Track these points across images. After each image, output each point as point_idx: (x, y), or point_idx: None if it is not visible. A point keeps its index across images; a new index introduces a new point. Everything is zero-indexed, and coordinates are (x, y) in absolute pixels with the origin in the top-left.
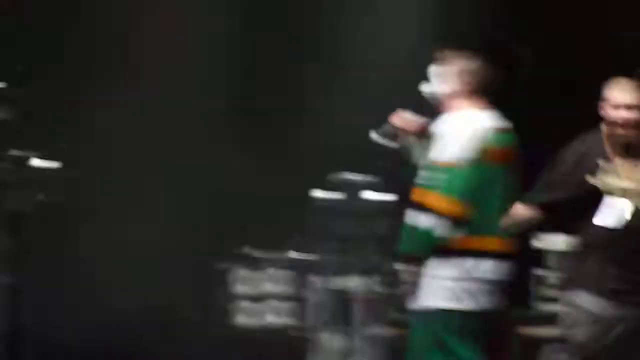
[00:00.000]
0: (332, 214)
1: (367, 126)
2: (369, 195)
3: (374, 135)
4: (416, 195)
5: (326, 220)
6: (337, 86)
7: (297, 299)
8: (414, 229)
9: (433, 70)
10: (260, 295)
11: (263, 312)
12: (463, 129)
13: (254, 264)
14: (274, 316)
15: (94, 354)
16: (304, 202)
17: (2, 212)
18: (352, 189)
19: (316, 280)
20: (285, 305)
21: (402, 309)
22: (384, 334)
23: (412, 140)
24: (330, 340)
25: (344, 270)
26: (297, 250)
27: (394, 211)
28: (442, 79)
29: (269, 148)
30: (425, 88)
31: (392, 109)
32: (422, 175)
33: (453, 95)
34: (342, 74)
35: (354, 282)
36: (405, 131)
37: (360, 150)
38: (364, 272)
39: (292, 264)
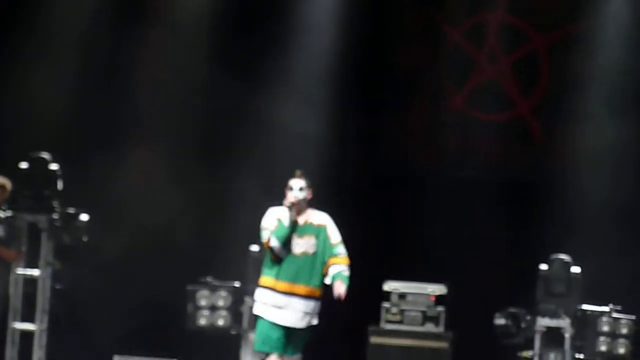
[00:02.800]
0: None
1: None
2: None
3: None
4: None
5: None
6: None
7: (236, 311)
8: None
9: (297, 183)
10: (214, 307)
11: (216, 318)
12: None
13: (213, 288)
14: (222, 321)
15: None
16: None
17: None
18: None
19: (248, 299)
20: (228, 314)
21: None
22: None
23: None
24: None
25: None
26: (238, 280)
27: None
28: (304, 189)
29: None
30: (299, 194)
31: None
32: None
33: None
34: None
35: None
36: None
37: None
38: None
39: (235, 288)
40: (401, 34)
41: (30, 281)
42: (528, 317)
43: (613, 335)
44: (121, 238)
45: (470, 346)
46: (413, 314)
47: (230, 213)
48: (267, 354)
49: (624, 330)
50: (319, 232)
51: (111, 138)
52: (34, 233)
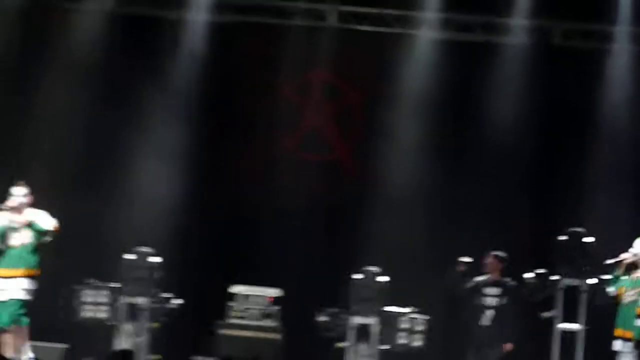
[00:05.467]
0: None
1: None
2: None
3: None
4: None
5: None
6: None
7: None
8: None
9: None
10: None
11: (99, 311)
12: None
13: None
14: (104, 314)
15: None
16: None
17: None
18: None
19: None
20: (106, 308)
21: None
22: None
23: None
24: (128, 329)
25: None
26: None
27: None
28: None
29: None
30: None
31: None
32: None
33: None
34: None
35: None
36: None
37: None
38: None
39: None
40: (245, 88)
41: None
42: (343, 316)
43: (411, 331)
44: None
45: (298, 338)
46: (254, 311)
47: None
48: None
49: (420, 327)
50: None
51: None
52: None
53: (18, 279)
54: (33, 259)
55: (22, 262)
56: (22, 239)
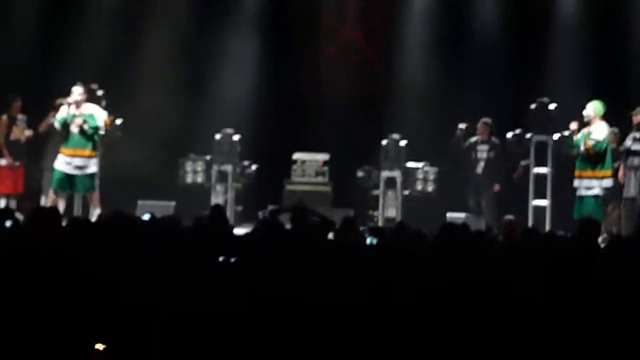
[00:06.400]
0: None
1: None
2: None
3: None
4: None
5: None
6: None
7: (207, 172)
8: None
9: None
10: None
11: (197, 177)
12: None
13: (194, 159)
14: (200, 179)
15: None
16: None
17: None
18: None
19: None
20: (202, 174)
21: None
22: None
23: None
24: (219, 189)
25: None
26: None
27: None
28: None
29: None
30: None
31: None
32: None
33: None
34: None
35: None
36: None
37: None
38: None
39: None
40: (296, 13)
41: None
42: (375, 171)
43: (425, 180)
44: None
45: (343, 191)
46: (309, 171)
47: None
48: None
49: (432, 177)
50: (90, 116)
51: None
52: None
53: (80, 157)
54: (90, 143)
55: (81, 145)
56: (79, 127)
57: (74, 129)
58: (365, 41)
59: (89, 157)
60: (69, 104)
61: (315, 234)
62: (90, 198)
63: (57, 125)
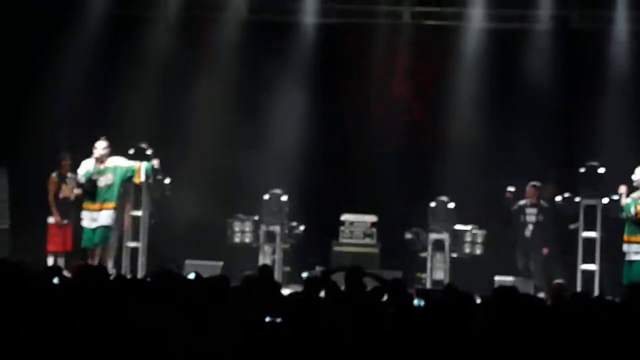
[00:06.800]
0: None
1: None
2: None
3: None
4: None
5: None
6: None
7: (255, 233)
8: None
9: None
10: (243, 231)
11: (245, 237)
12: None
13: (242, 220)
14: (248, 239)
15: None
16: None
17: None
18: None
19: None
20: (250, 234)
21: None
22: None
23: None
24: (267, 249)
25: None
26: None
27: None
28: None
29: None
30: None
31: None
32: None
33: None
34: None
35: None
36: None
37: None
38: None
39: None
40: (347, 70)
41: None
42: (423, 233)
43: (473, 243)
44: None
45: (390, 252)
46: (357, 232)
47: None
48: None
49: (480, 240)
50: (114, 169)
51: None
52: None
53: (104, 210)
54: (115, 195)
55: (106, 198)
56: (106, 180)
57: (101, 183)
58: (414, 98)
59: (114, 209)
60: (95, 159)
61: (374, 296)
62: (104, 250)
63: (82, 180)
